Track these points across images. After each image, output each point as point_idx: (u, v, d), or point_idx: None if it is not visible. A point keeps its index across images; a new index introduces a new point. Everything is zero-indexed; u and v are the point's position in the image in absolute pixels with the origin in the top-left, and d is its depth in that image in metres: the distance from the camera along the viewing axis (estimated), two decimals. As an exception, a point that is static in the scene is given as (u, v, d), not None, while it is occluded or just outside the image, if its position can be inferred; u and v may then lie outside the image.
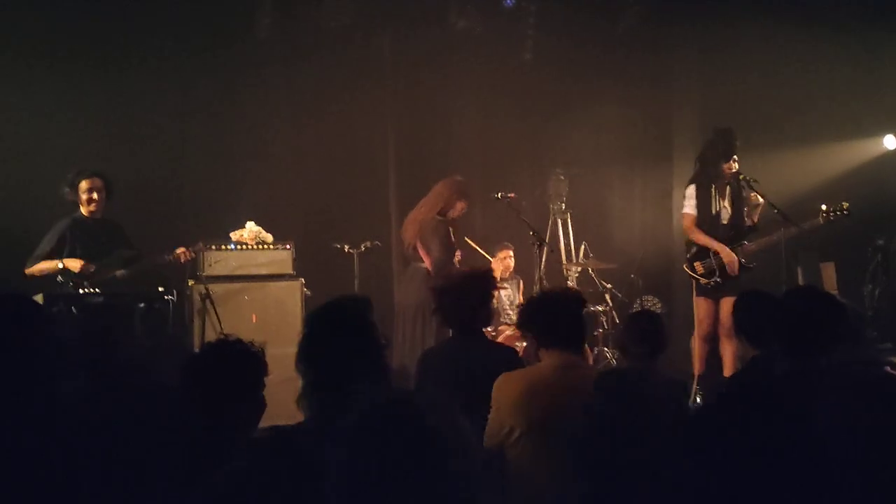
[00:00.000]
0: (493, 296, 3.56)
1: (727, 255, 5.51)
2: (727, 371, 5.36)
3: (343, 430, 1.27)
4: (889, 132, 7.35)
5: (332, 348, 2.12)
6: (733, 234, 5.62)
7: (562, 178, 7.24)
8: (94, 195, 5.30)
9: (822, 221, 5.38)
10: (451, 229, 5.69)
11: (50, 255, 5.20)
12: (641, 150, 7.78)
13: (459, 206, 5.67)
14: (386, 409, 1.29)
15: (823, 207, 5.39)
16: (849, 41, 6.89)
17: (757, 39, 7.17)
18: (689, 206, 5.70)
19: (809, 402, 2.16)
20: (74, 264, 5.14)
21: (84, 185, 5.30)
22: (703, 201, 5.64)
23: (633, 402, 2.36)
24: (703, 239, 5.62)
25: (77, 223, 5.32)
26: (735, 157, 5.61)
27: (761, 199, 5.54)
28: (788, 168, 6.84)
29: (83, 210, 5.35)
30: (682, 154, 7.46)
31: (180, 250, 5.36)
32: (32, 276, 5.18)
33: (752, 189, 5.54)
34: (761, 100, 7.26)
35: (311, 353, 2.15)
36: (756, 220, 5.64)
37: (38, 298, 4.69)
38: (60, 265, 5.12)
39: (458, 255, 5.82)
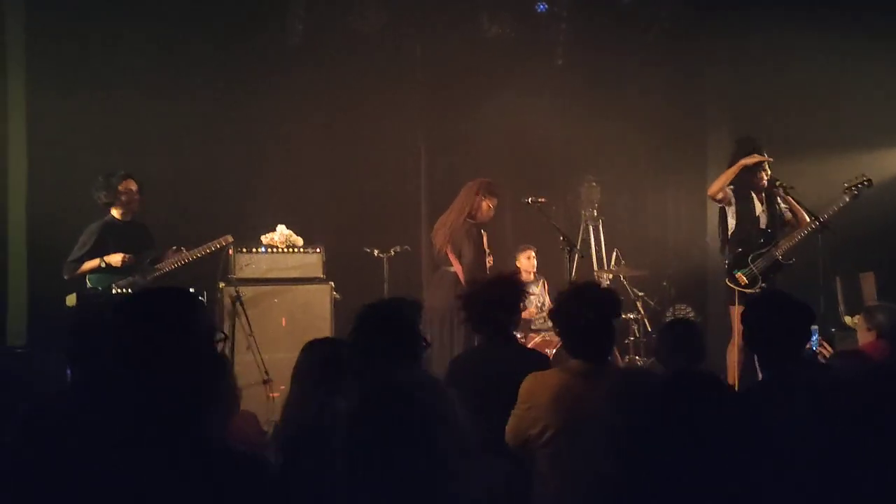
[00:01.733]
0: (522, 300, 3.52)
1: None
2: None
3: (345, 414, 1.45)
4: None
5: (378, 343, 2.25)
6: (771, 237, 5.60)
7: (594, 184, 7.18)
8: (135, 196, 5.41)
9: (847, 198, 5.30)
10: (482, 233, 5.66)
11: (88, 258, 5.28)
12: (675, 156, 7.69)
13: (486, 206, 5.62)
14: (378, 394, 1.43)
15: (846, 185, 5.30)
16: (884, 48, 6.77)
17: (790, 47, 7.08)
18: (730, 218, 5.72)
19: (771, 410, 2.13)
20: (115, 259, 5.26)
21: (123, 186, 5.39)
22: (742, 206, 5.64)
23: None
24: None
25: (109, 226, 5.40)
26: (764, 164, 5.60)
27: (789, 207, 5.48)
28: (823, 176, 6.69)
29: (116, 213, 5.42)
30: (717, 162, 7.34)
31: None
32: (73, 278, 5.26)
33: (788, 195, 5.45)
34: (795, 107, 7.14)
35: (359, 344, 2.27)
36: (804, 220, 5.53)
37: (71, 299, 4.74)
38: (103, 264, 5.23)
39: (490, 260, 5.77)
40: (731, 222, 5.73)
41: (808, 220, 5.46)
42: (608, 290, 3.03)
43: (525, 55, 7.22)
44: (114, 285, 5.23)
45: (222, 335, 1.71)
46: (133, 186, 5.43)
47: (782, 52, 7.12)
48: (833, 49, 6.84)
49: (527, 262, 6.69)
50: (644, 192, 7.79)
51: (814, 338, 4.15)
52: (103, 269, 5.23)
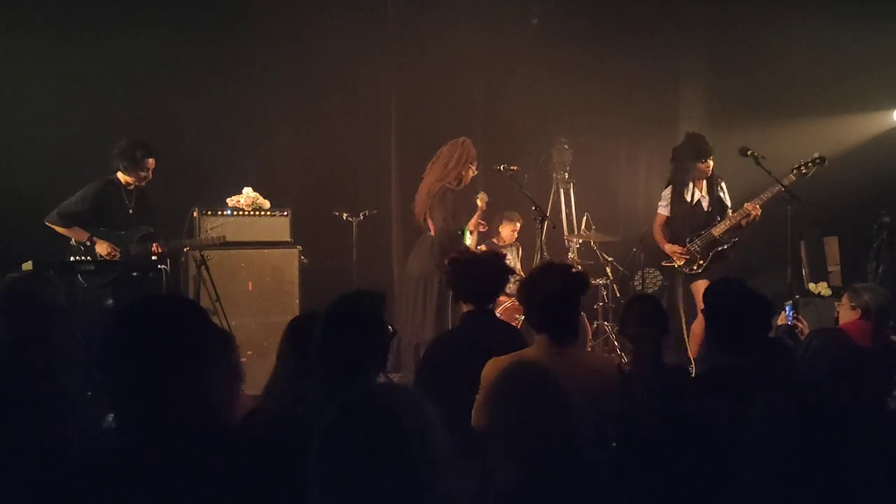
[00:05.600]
0: (507, 279, 3.53)
1: (670, 249, 5.75)
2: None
3: (321, 426, 1.41)
4: (898, 107, 7.23)
5: (347, 343, 2.16)
6: (710, 220, 5.70)
7: (566, 146, 7.12)
8: (150, 175, 5.29)
9: (793, 178, 5.35)
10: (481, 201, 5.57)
11: (83, 217, 5.10)
12: (647, 119, 7.64)
13: (471, 173, 5.52)
14: (356, 408, 1.41)
15: (796, 166, 5.36)
16: (860, 13, 6.76)
17: (766, 12, 7.05)
18: (662, 207, 5.91)
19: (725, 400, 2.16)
20: (102, 248, 5.07)
21: (151, 162, 5.24)
22: (677, 199, 5.79)
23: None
24: (658, 237, 5.88)
25: (113, 188, 5.23)
26: (710, 158, 5.68)
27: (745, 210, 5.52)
28: (795, 141, 6.74)
29: (123, 178, 5.24)
30: (689, 126, 7.32)
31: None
32: (52, 228, 5.09)
33: (759, 164, 5.44)
34: (769, 73, 7.14)
35: (325, 345, 2.19)
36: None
37: (28, 265, 4.60)
38: (88, 242, 5.05)
39: (482, 225, 5.71)
40: (664, 213, 5.85)
41: (731, 212, 5.64)
42: (578, 269, 3.01)
43: (499, 14, 7.07)
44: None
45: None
46: (153, 165, 5.27)
47: (759, 14, 7.09)
48: (809, 13, 6.82)
49: (509, 234, 6.65)
50: (616, 155, 7.75)
51: (789, 312, 4.18)
52: (88, 245, 5.04)
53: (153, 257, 5.05)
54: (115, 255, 5.08)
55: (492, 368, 2.70)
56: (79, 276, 4.77)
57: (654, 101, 7.55)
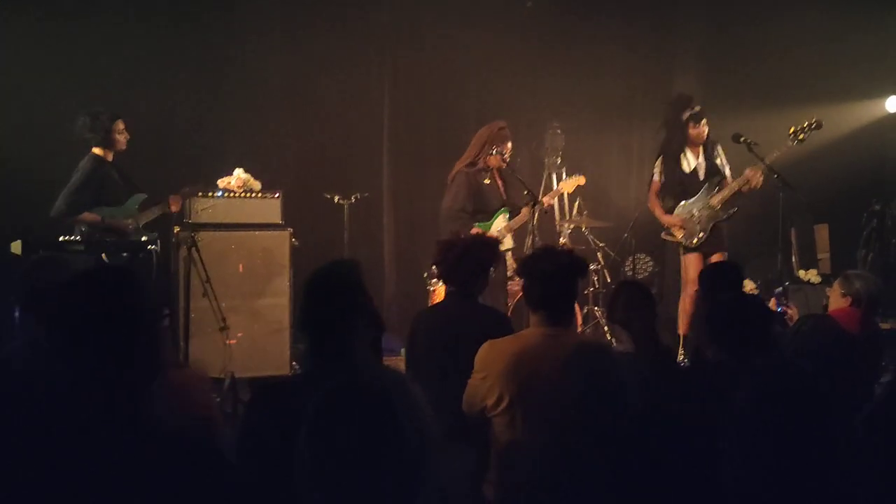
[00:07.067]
0: (494, 265, 3.52)
1: (669, 221, 5.70)
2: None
3: (310, 411, 1.37)
4: (892, 94, 7.22)
5: (329, 314, 2.13)
6: (707, 188, 5.67)
7: (558, 131, 7.09)
8: (126, 136, 5.21)
9: (791, 144, 5.33)
10: (484, 181, 5.46)
11: (87, 202, 5.05)
12: (640, 105, 7.63)
13: (495, 160, 5.40)
14: (344, 393, 1.38)
15: (791, 129, 5.33)
16: (852, 3, 6.76)
17: (760, 1, 7.03)
18: (656, 174, 5.86)
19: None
20: (120, 225, 5.06)
21: (121, 124, 5.16)
22: (670, 167, 5.73)
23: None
24: (655, 208, 5.80)
25: (100, 165, 5.16)
26: (704, 119, 5.63)
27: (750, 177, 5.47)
28: (788, 129, 6.74)
29: (105, 150, 5.16)
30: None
31: (174, 201, 5.25)
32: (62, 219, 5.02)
33: (751, 151, 5.44)
34: (763, 59, 7.13)
35: (308, 318, 2.17)
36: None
37: (17, 245, 4.57)
38: (103, 223, 5.03)
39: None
40: (658, 179, 5.81)
41: (731, 179, 5.59)
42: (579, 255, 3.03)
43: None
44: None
45: (166, 312, 1.68)
46: (122, 126, 5.19)
47: (752, 5, 7.08)
48: (802, 3, 6.81)
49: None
50: (609, 140, 7.73)
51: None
52: (104, 227, 5.02)
53: (145, 239, 5.02)
54: (129, 228, 5.08)
55: (489, 351, 2.70)
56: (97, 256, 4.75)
57: (647, 86, 7.54)
